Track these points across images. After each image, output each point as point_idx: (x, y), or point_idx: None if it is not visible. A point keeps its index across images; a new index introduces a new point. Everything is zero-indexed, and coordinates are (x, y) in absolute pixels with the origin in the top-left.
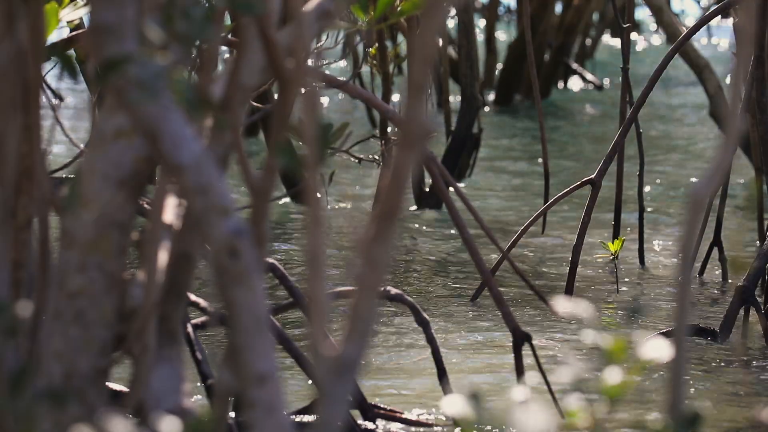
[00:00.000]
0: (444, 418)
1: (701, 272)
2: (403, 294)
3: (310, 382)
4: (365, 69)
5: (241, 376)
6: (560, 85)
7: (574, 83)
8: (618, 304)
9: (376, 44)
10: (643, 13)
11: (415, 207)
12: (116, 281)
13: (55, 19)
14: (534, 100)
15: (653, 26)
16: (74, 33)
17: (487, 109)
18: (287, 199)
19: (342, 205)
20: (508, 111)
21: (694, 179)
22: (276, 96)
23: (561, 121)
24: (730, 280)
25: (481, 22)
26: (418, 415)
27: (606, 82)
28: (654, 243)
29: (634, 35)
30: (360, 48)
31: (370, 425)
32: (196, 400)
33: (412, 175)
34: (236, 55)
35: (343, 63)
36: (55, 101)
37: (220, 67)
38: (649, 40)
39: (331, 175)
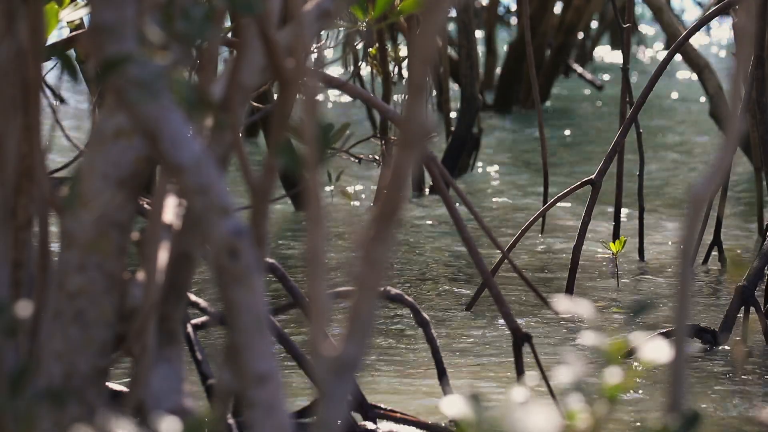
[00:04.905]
0: (444, 419)
1: (701, 272)
2: (403, 294)
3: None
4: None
5: (241, 376)
6: (560, 85)
7: (574, 83)
8: (618, 304)
9: (376, 44)
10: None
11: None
12: (116, 281)
13: (55, 19)
14: (534, 101)
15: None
16: (74, 33)
17: (487, 105)
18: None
19: (342, 205)
20: (508, 111)
21: (694, 179)
22: (276, 96)
23: (561, 121)
24: (730, 280)
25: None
26: (418, 416)
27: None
28: (654, 243)
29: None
30: (360, 48)
31: (370, 425)
32: (196, 400)
33: (412, 175)
34: (236, 55)
35: (342, 63)
36: (55, 102)
37: (220, 67)
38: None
39: (338, 175)
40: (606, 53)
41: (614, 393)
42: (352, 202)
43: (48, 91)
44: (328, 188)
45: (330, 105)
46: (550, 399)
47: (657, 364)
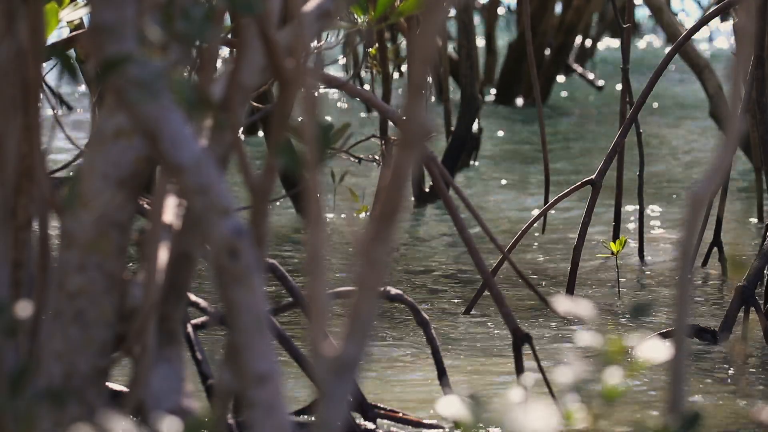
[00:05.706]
0: (444, 419)
1: (701, 272)
2: (403, 294)
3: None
4: (365, 69)
5: (241, 376)
6: (560, 85)
7: (574, 83)
8: (619, 305)
9: (376, 44)
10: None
11: (414, 203)
12: (116, 281)
13: (55, 19)
14: (534, 101)
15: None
16: (74, 33)
17: (487, 104)
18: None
19: (342, 205)
20: (509, 111)
21: (694, 179)
22: (276, 96)
23: (561, 120)
24: (730, 280)
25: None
26: (418, 416)
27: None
28: (654, 243)
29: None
30: (360, 48)
31: (370, 425)
32: (196, 400)
33: (412, 175)
34: (236, 55)
35: (343, 62)
36: (60, 110)
37: (220, 67)
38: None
39: (342, 176)
40: (606, 54)
41: (614, 393)
42: (357, 200)
43: (54, 98)
44: (335, 189)
45: (330, 105)
46: (550, 399)
47: (656, 363)
